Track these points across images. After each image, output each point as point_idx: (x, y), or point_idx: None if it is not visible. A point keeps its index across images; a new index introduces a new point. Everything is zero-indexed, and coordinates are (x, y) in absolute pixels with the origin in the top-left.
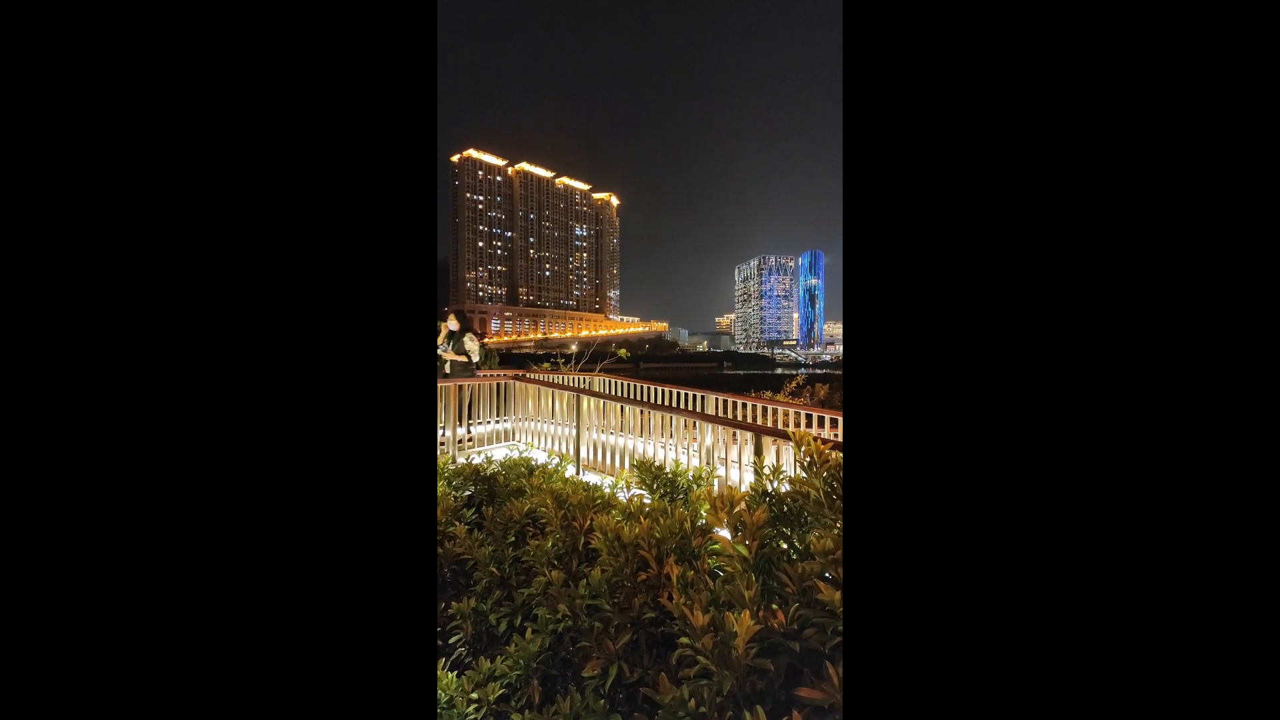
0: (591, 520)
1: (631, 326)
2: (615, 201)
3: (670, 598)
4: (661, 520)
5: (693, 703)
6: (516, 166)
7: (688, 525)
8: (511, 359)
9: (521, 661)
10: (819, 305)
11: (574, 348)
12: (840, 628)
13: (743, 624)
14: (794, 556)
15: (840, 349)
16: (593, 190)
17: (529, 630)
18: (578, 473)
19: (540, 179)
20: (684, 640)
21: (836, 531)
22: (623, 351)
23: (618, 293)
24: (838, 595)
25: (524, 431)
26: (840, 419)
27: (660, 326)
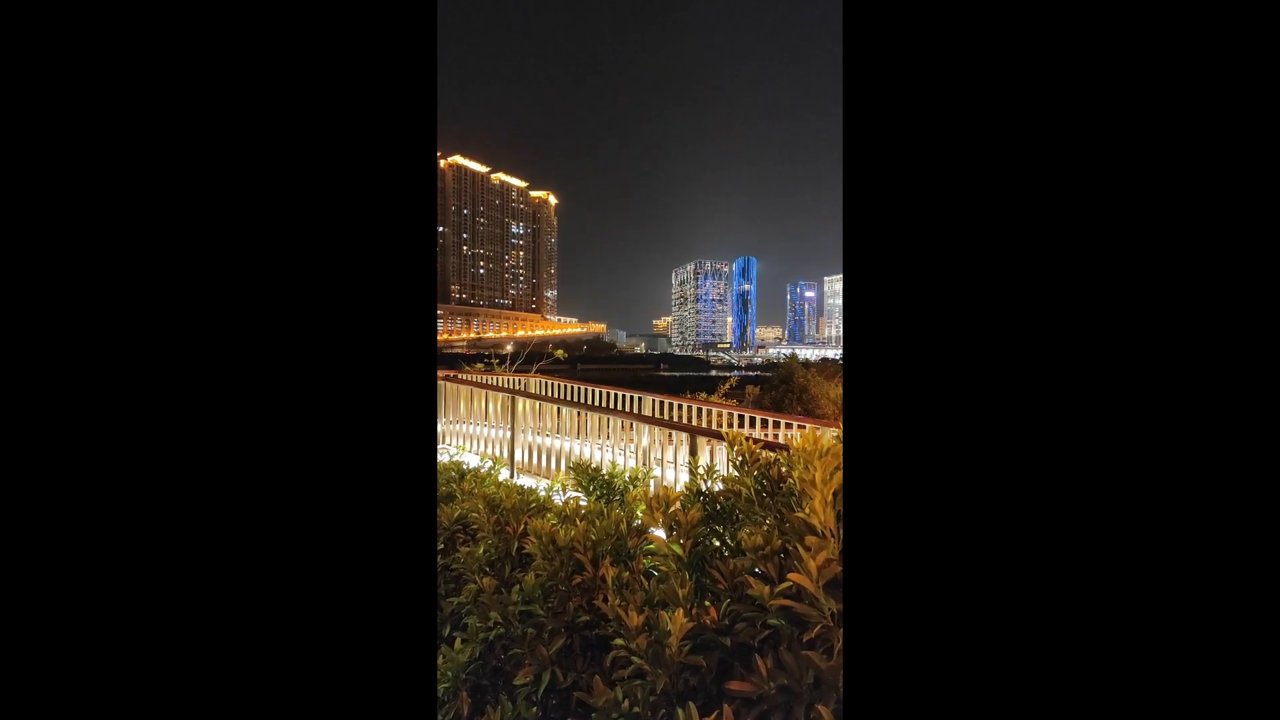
0: (526, 524)
1: (569, 327)
2: (553, 200)
3: (605, 600)
4: (598, 522)
5: (626, 703)
6: (449, 159)
7: (624, 526)
8: (443, 359)
9: (449, 673)
10: (751, 310)
11: (509, 348)
12: (769, 620)
13: (676, 622)
14: (726, 554)
15: (770, 352)
16: (530, 188)
17: (458, 640)
18: (512, 476)
19: (475, 173)
20: (618, 641)
21: (766, 528)
22: (560, 352)
23: (555, 293)
24: (767, 589)
25: (455, 435)
26: (770, 419)
27: (598, 328)
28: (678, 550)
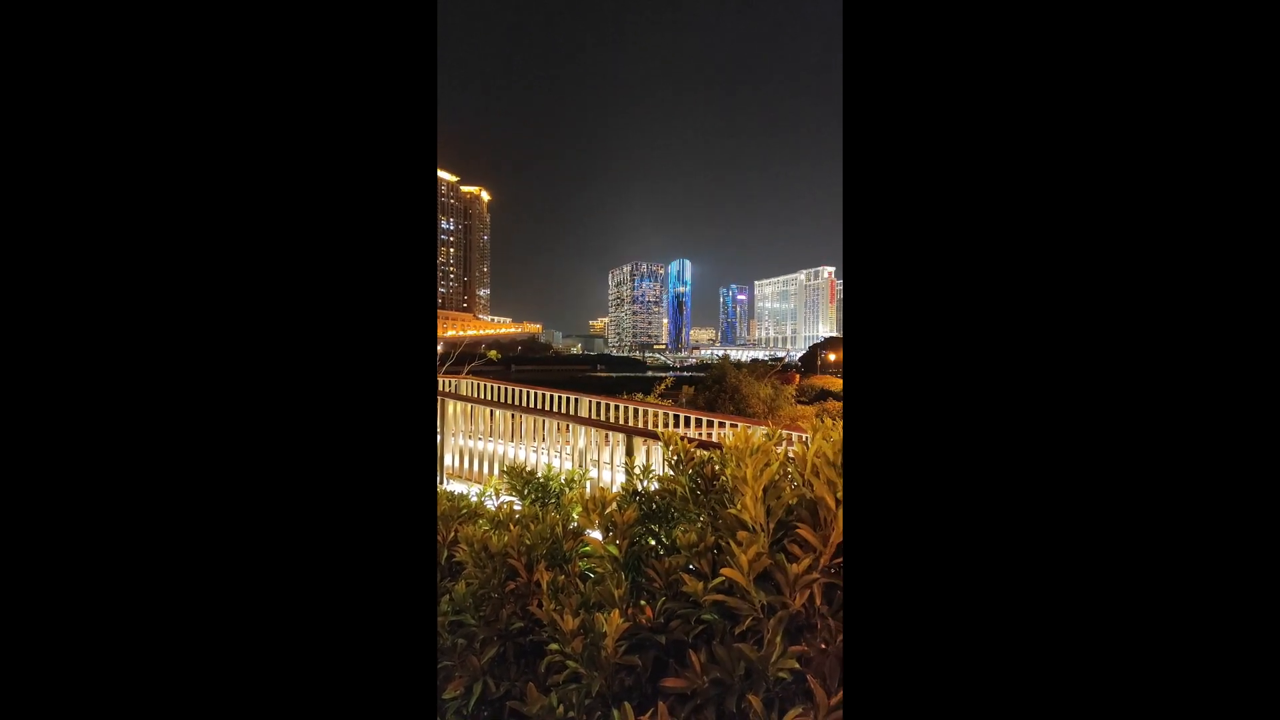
0: (456, 532)
1: (503, 327)
2: (486, 196)
3: (540, 605)
4: (532, 526)
5: (561, 709)
6: None
7: (559, 529)
8: None
9: None
10: (686, 312)
11: (439, 348)
12: (703, 616)
13: (612, 623)
14: (662, 552)
15: (704, 353)
16: (461, 182)
17: None
18: (441, 482)
19: None
20: (554, 646)
21: (700, 525)
22: (493, 353)
23: (488, 292)
24: (700, 586)
25: None
26: (704, 418)
27: (534, 328)
28: (614, 551)
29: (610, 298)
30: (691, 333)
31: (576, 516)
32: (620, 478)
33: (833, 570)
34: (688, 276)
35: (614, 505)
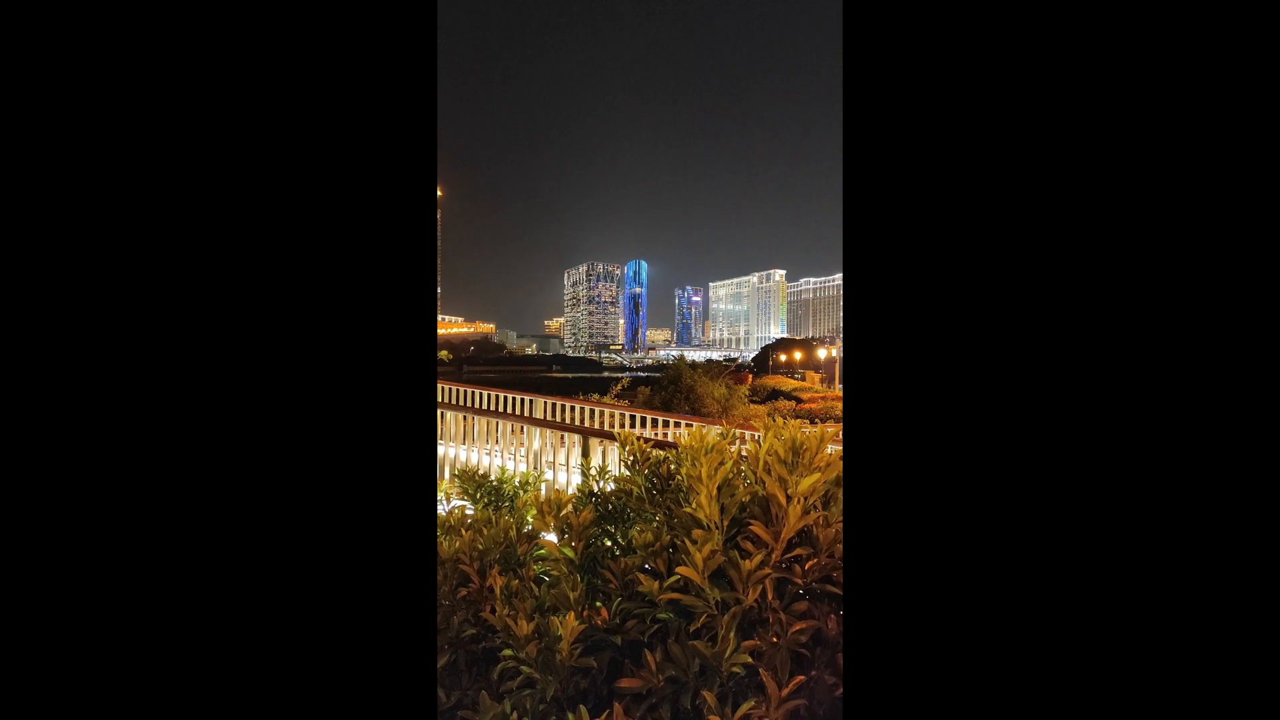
0: None
1: (455, 327)
2: (438, 192)
3: (493, 610)
4: (485, 531)
5: (515, 715)
6: None
7: (513, 533)
8: None
9: None
10: (642, 312)
11: None
12: (658, 615)
13: (568, 626)
14: (617, 553)
15: (660, 354)
16: None
17: None
18: None
19: None
20: (507, 652)
21: (656, 524)
22: (444, 354)
23: (439, 290)
24: (656, 585)
25: None
26: (660, 418)
27: (487, 328)
28: (569, 553)
29: (566, 298)
30: (648, 333)
31: (531, 519)
32: (576, 479)
33: (784, 565)
34: (644, 277)
35: (569, 507)
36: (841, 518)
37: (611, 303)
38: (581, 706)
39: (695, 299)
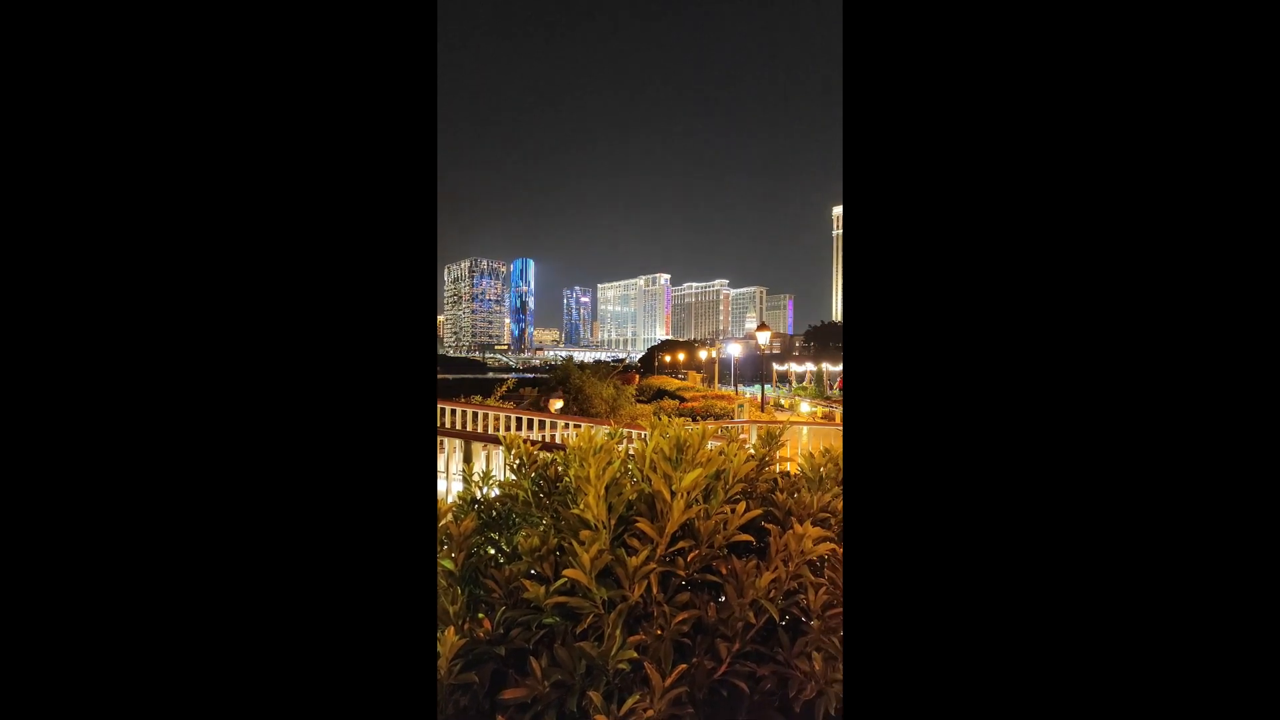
0: None
1: None
2: None
3: None
4: None
5: None
6: None
7: None
8: None
9: None
10: (529, 312)
11: None
12: (545, 620)
13: (446, 642)
14: (502, 560)
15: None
16: None
17: None
18: None
19: None
20: None
21: (543, 528)
22: None
23: None
24: (542, 590)
25: None
26: (548, 420)
27: None
28: (449, 565)
29: (446, 294)
30: (535, 334)
31: None
32: (458, 486)
33: (668, 559)
34: (530, 276)
35: (449, 516)
36: (720, 509)
37: (497, 301)
38: None
39: (584, 300)
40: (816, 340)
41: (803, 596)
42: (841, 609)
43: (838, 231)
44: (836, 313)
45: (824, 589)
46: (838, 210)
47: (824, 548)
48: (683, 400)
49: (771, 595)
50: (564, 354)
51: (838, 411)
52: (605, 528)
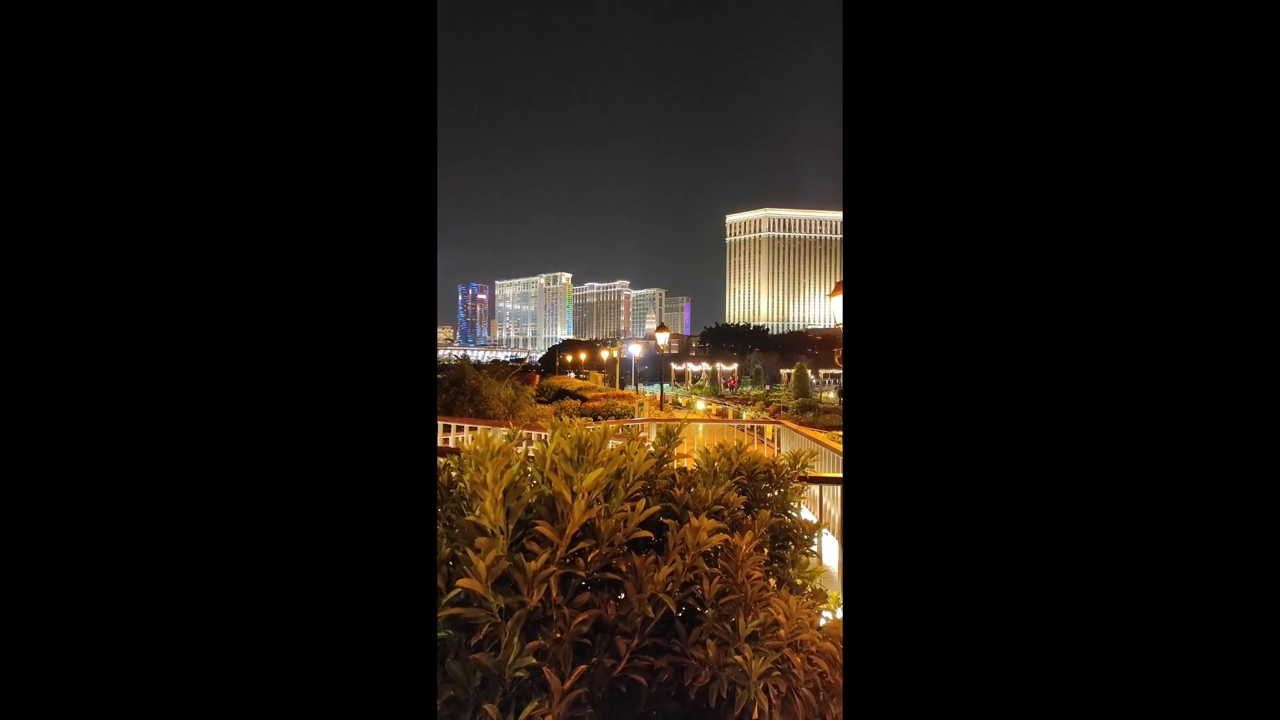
0: None
1: None
2: None
3: None
4: None
5: None
6: None
7: None
8: None
9: None
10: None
11: None
12: (436, 635)
13: None
14: None
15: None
16: None
17: None
18: None
19: None
20: None
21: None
22: None
23: None
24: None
25: None
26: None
27: None
28: None
29: None
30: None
31: None
32: None
33: (568, 560)
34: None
35: None
36: (620, 507)
37: None
38: None
39: (481, 296)
40: (711, 341)
41: (698, 587)
42: (733, 596)
43: (730, 239)
44: (730, 314)
45: (718, 578)
46: (732, 218)
47: (718, 539)
48: (585, 400)
49: (669, 588)
50: (458, 353)
51: (730, 408)
52: (503, 533)
